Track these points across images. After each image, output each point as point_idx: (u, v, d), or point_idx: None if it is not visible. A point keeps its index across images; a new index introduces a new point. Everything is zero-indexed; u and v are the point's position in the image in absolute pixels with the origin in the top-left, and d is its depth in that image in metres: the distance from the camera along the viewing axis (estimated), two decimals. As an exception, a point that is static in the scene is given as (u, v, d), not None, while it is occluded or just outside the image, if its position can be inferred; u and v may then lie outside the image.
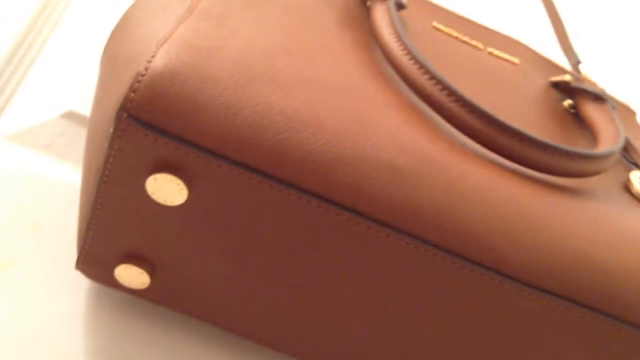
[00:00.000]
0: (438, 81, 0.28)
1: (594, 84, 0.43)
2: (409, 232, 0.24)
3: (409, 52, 0.29)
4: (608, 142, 0.32)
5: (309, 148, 0.23)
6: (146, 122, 0.22)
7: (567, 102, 0.39)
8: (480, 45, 0.40)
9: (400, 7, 0.35)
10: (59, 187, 0.34)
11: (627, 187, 0.33)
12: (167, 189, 0.23)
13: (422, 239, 0.24)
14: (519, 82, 0.38)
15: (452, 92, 0.27)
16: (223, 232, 0.25)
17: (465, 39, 0.40)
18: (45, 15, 0.42)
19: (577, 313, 0.26)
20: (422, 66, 0.28)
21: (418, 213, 0.24)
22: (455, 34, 0.39)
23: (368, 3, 0.35)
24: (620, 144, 0.31)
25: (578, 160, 0.27)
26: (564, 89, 0.39)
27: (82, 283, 0.31)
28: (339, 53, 0.29)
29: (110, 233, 0.26)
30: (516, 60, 0.40)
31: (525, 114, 0.35)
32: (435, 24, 0.39)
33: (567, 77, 0.39)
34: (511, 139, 0.26)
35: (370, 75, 0.29)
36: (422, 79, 0.28)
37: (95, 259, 0.27)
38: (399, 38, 0.30)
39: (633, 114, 0.44)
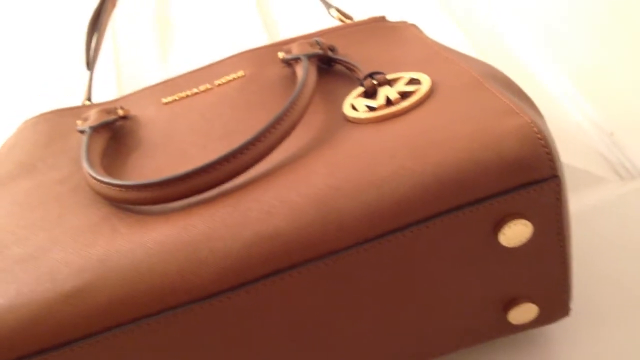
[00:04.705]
0: (108, 184, 0.32)
1: (339, 27, 0.45)
2: (117, 324, 0.28)
3: (90, 175, 0.34)
4: None
5: (10, 326, 0.28)
6: None
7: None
8: (208, 86, 0.43)
9: (107, 123, 0.40)
10: None
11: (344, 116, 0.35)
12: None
13: (133, 320, 0.28)
14: (251, 90, 0.41)
15: (117, 185, 0.32)
16: None
17: (194, 90, 0.43)
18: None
19: (307, 270, 0.28)
20: (100, 180, 0.33)
21: (115, 306, 0.28)
22: (184, 94, 0.43)
23: None
24: (288, 104, 0.33)
25: (216, 171, 0.30)
26: (287, 64, 0.41)
27: None
28: (42, 219, 0.34)
29: None
30: (240, 72, 0.43)
31: (263, 115, 0.38)
32: (163, 100, 0.43)
33: (280, 55, 0.41)
34: (153, 190, 0.30)
35: (70, 216, 0.33)
36: (107, 190, 0.33)
37: None
38: (85, 163, 0.35)
39: (381, 19, 0.45)
